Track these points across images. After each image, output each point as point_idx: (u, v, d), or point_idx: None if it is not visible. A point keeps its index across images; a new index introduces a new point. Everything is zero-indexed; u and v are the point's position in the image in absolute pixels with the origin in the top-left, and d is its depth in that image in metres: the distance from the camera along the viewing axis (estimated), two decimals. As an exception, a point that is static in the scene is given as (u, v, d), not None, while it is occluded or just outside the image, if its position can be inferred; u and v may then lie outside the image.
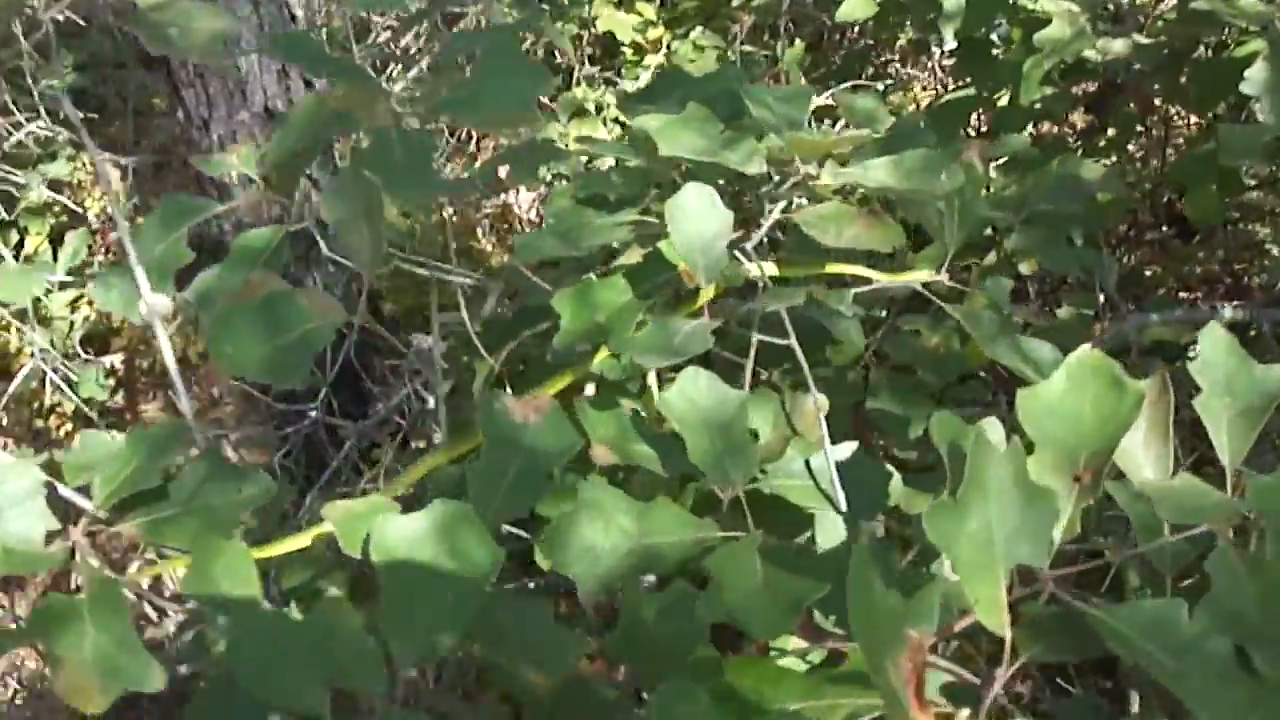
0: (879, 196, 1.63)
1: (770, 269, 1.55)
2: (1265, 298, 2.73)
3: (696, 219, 1.41)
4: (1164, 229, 3.79)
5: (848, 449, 1.40)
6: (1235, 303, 3.10)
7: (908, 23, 3.43)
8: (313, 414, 2.61)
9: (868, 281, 1.65)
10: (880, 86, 4.04)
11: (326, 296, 1.46)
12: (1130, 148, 3.94)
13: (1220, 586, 1.00)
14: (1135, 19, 3.32)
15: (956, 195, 1.60)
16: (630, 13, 3.97)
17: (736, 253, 1.54)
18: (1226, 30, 2.75)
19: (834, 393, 2.05)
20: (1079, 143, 3.36)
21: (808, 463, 1.42)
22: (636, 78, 3.81)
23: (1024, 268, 2.27)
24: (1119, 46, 2.70)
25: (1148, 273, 3.84)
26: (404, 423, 2.65)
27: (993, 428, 1.02)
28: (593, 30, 4.02)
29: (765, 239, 1.59)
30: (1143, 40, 2.70)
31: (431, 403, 2.15)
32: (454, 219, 3.68)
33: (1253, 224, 3.46)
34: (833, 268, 1.65)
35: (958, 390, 2.13)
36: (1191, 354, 1.24)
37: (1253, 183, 3.18)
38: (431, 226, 3.74)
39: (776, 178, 1.56)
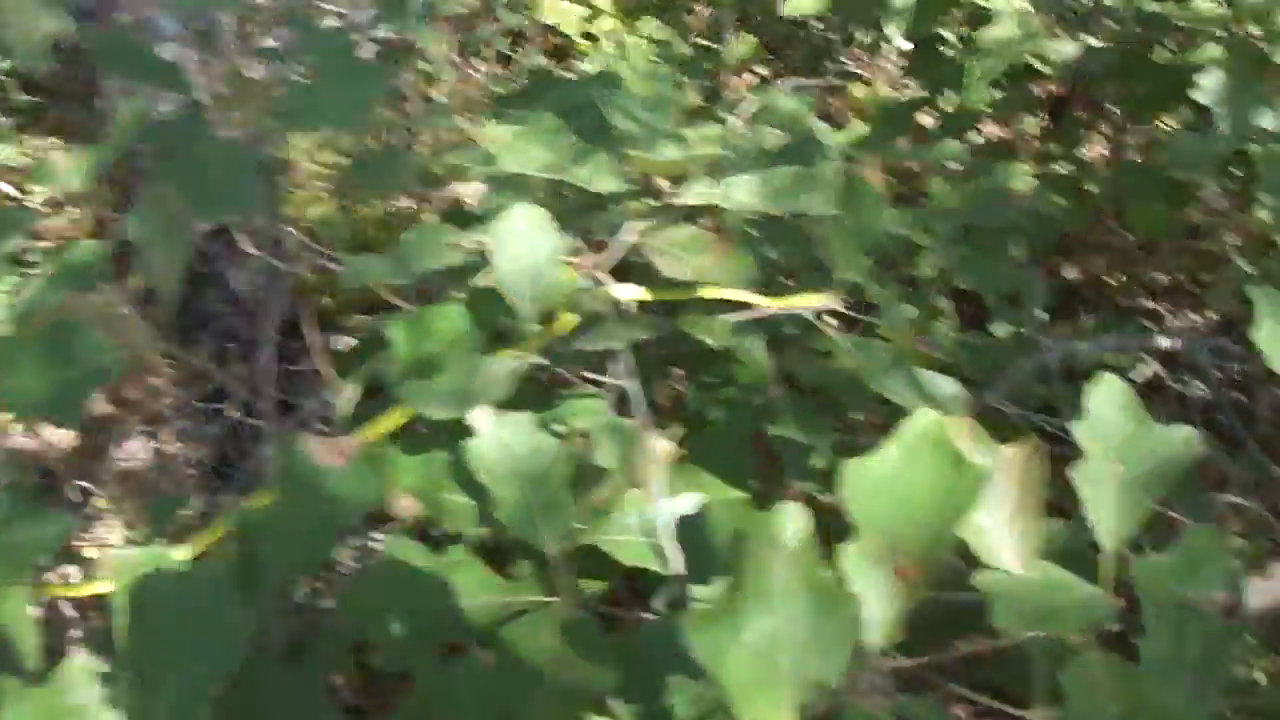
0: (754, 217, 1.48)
1: (634, 293, 1.40)
2: (1207, 324, 2.56)
3: (523, 244, 1.27)
4: (1129, 236, 3.64)
5: (691, 501, 1.25)
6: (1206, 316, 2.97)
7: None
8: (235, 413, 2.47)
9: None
10: (835, 83, 3.88)
11: (134, 320, 1.31)
12: (1093, 154, 3.80)
13: (1075, 706, 0.85)
14: (1101, 20, 3.17)
15: (849, 215, 1.45)
16: (580, 3, 3.81)
17: (598, 276, 1.39)
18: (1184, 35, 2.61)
19: (737, 418, 1.91)
20: (1039, 148, 3.20)
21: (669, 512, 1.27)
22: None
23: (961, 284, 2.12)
24: (1070, 49, 2.54)
25: (1111, 281, 3.69)
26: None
27: (794, 515, 0.86)
28: (536, 21, 3.86)
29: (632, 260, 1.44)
30: (1095, 43, 2.54)
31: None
32: (393, 210, 3.52)
33: (1212, 236, 3.29)
34: (710, 291, 1.50)
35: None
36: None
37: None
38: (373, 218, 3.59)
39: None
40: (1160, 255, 3.59)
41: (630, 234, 1.37)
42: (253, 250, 2.92)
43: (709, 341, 1.40)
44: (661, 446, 1.30)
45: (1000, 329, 2.30)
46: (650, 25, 3.77)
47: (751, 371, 1.99)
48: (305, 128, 1.66)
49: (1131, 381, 2.01)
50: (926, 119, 3.05)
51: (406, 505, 1.26)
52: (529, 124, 1.42)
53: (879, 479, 0.91)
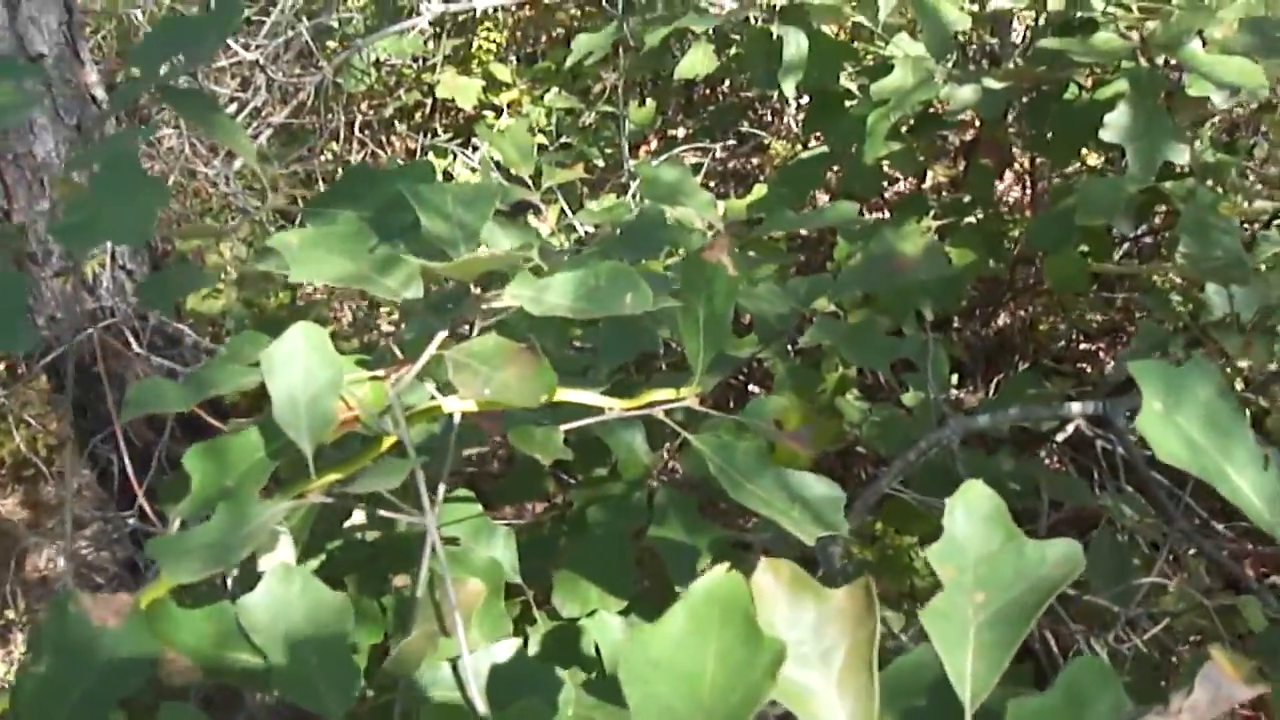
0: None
1: (462, 405, 1.22)
2: (1113, 383, 2.38)
3: (298, 370, 1.08)
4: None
5: (508, 648, 1.07)
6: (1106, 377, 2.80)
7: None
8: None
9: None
10: (737, 145, 3.73)
11: None
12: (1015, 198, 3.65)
13: None
14: (1003, 62, 3.01)
15: (699, 302, 1.28)
16: (479, 77, 3.65)
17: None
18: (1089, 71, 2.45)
19: (618, 518, 1.72)
20: (951, 198, 3.03)
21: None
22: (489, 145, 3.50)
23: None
24: (966, 94, 2.38)
25: (1043, 326, 3.53)
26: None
27: None
28: (436, 98, 3.70)
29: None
30: (994, 85, 2.37)
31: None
32: (302, 299, 3.32)
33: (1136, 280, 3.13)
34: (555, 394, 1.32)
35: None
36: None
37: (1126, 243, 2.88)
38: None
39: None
40: (1090, 298, 3.43)
41: (432, 345, 1.18)
42: (143, 350, 2.77)
43: (541, 457, 1.20)
44: (470, 589, 1.11)
45: (911, 398, 2.12)
46: (553, 95, 3.61)
47: (632, 468, 1.81)
48: (85, 243, 1.47)
49: (1052, 441, 1.80)
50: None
51: (183, 669, 1.07)
52: (326, 227, 1.24)
53: (659, 655, 0.72)
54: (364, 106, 3.91)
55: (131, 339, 2.72)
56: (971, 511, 0.91)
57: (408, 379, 1.19)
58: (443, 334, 1.19)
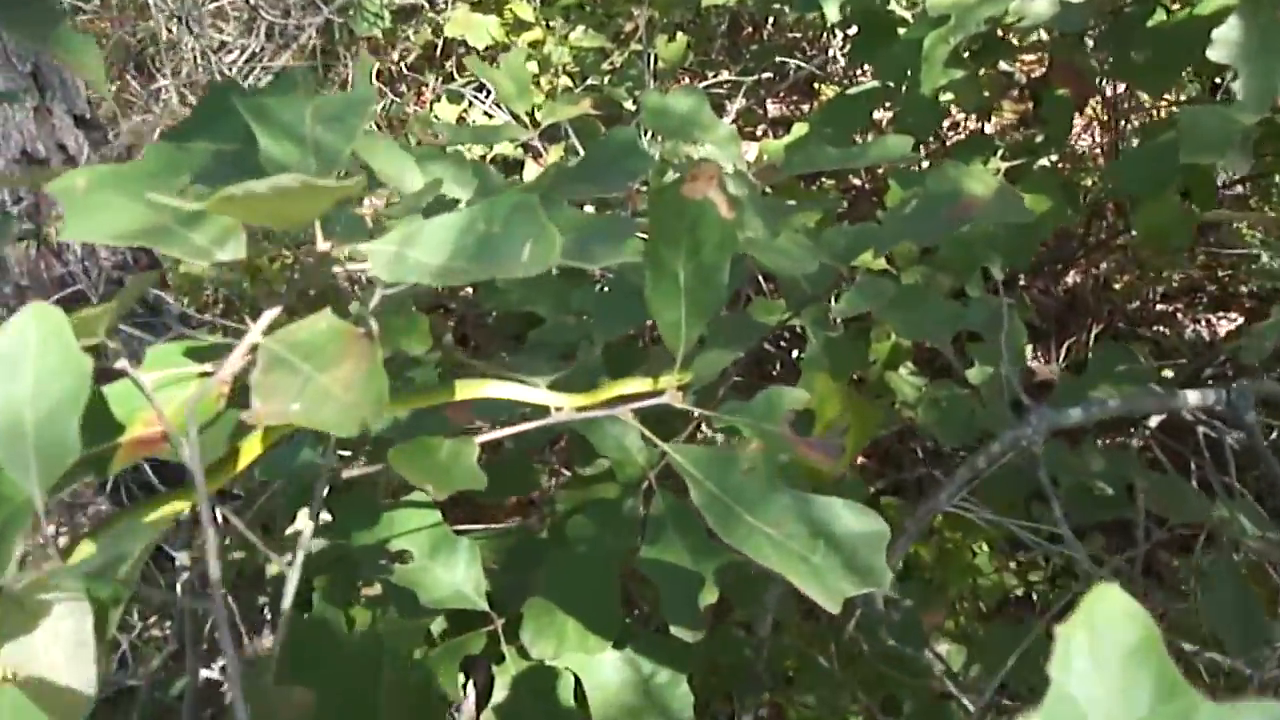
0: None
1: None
2: (1236, 365, 1.89)
3: (26, 378, 0.66)
4: (1132, 233, 2.99)
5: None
6: (1221, 366, 2.31)
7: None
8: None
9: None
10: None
11: None
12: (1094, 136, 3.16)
13: None
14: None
15: (684, 260, 0.85)
16: (496, 13, 3.20)
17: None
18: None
19: (606, 533, 1.29)
20: (1019, 138, 2.54)
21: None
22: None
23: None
24: (1041, 7, 1.90)
25: (1117, 285, 3.05)
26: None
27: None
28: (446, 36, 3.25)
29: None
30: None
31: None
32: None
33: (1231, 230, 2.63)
34: (468, 387, 0.89)
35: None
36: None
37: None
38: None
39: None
40: (1173, 254, 2.94)
41: (255, 329, 0.74)
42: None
43: (428, 492, 0.78)
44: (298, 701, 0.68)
45: (978, 374, 1.66)
46: (579, 33, 3.15)
47: (628, 468, 1.37)
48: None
49: (1143, 427, 1.35)
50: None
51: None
52: (130, 164, 0.81)
53: None
54: (381, 53, 3.48)
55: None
56: (1103, 650, 0.46)
57: (214, 382, 0.75)
58: (272, 313, 0.75)
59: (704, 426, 1.57)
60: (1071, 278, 3.06)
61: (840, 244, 1.32)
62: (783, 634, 1.56)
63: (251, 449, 0.89)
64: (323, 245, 0.76)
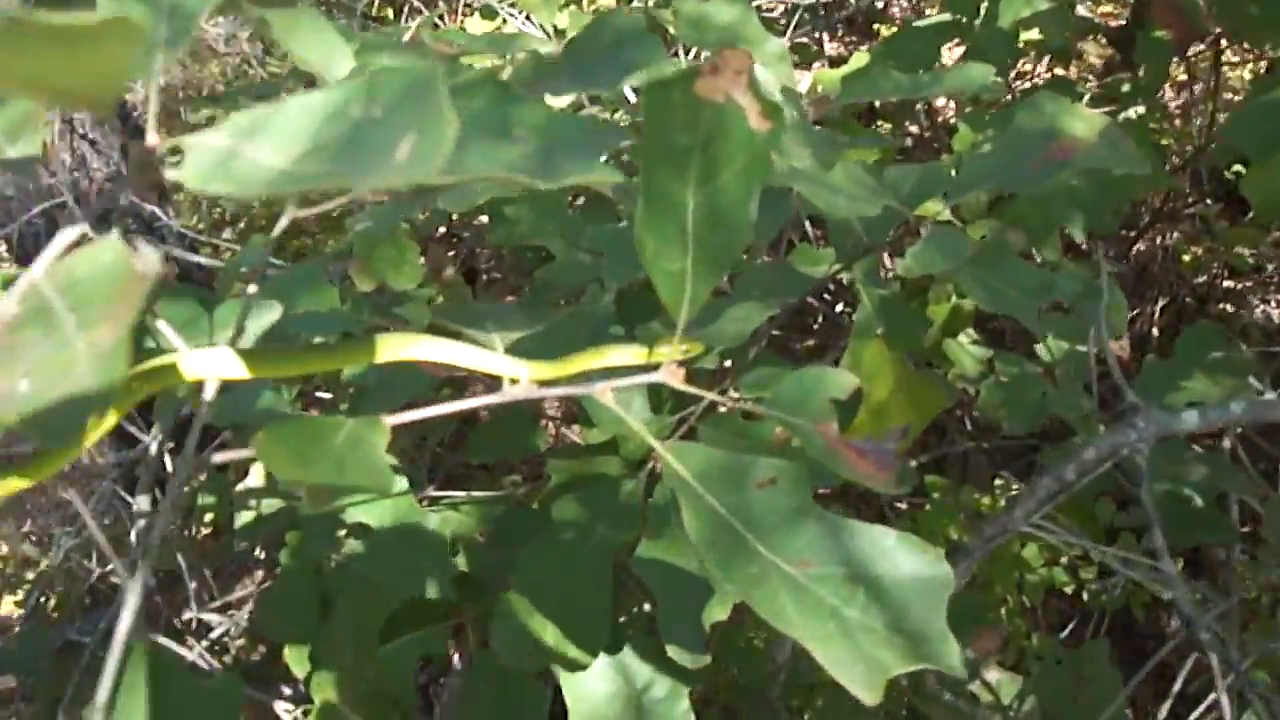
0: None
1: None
2: None
3: None
4: (1207, 202, 2.67)
5: None
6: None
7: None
8: None
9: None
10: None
11: None
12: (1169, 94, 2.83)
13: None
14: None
15: (693, 185, 0.57)
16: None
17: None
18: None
19: (597, 517, 1.01)
20: (1098, 88, 2.23)
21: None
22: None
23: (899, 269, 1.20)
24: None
25: (1186, 258, 2.73)
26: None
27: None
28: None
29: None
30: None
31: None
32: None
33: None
34: (390, 346, 0.61)
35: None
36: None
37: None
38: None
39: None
40: (1246, 226, 2.64)
41: (48, 251, 0.46)
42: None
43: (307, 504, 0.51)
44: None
45: (1053, 349, 1.37)
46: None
47: (631, 446, 1.11)
48: None
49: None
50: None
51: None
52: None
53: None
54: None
55: (87, 222, 2.05)
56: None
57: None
58: (74, 231, 0.47)
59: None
60: (1139, 246, 2.75)
61: (905, 185, 1.04)
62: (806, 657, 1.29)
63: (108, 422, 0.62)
64: (152, 138, 0.49)
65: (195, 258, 2.03)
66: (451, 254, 2.20)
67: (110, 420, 0.62)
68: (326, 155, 0.40)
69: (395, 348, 0.64)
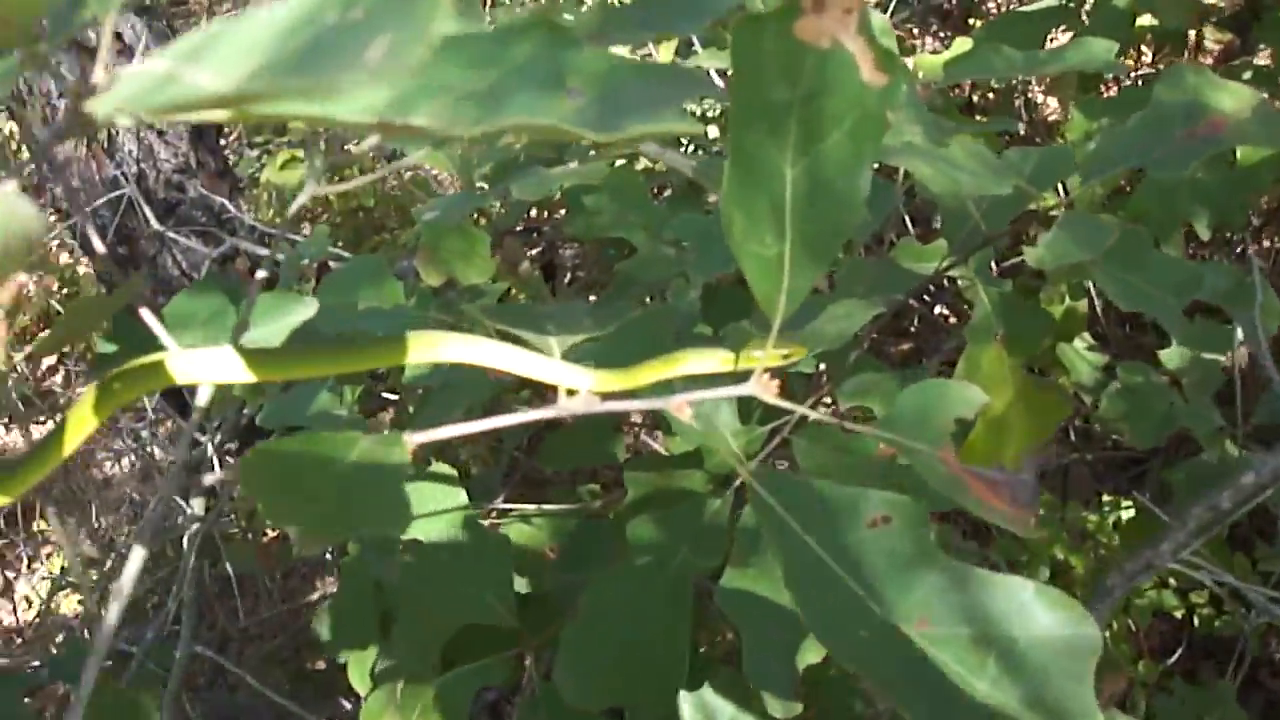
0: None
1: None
2: None
3: None
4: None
5: None
6: None
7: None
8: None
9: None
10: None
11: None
12: None
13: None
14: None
15: (792, 148, 0.43)
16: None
17: None
18: None
19: (676, 540, 0.90)
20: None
21: None
22: None
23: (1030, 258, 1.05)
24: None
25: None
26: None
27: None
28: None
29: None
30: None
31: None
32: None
33: None
34: (421, 345, 0.49)
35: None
36: None
37: None
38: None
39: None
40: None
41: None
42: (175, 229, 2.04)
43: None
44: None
45: (1176, 356, 1.23)
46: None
47: (718, 460, 0.98)
48: None
49: None
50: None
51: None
52: None
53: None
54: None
55: (151, 214, 1.98)
56: None
57: None
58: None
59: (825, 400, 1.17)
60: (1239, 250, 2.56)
61: (1027, 166, 0.90)
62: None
63: (81, 421, 0.52)
64: (99, 74, 0.38)
65: (265, 251, 1.94)
66: (532, 251, 2.08)
67: (90, 424, 0.52)
68: (282, 66, 0.28)
69: (424, 348, 0.52)
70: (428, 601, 1.02)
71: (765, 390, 0.51)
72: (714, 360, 0.55)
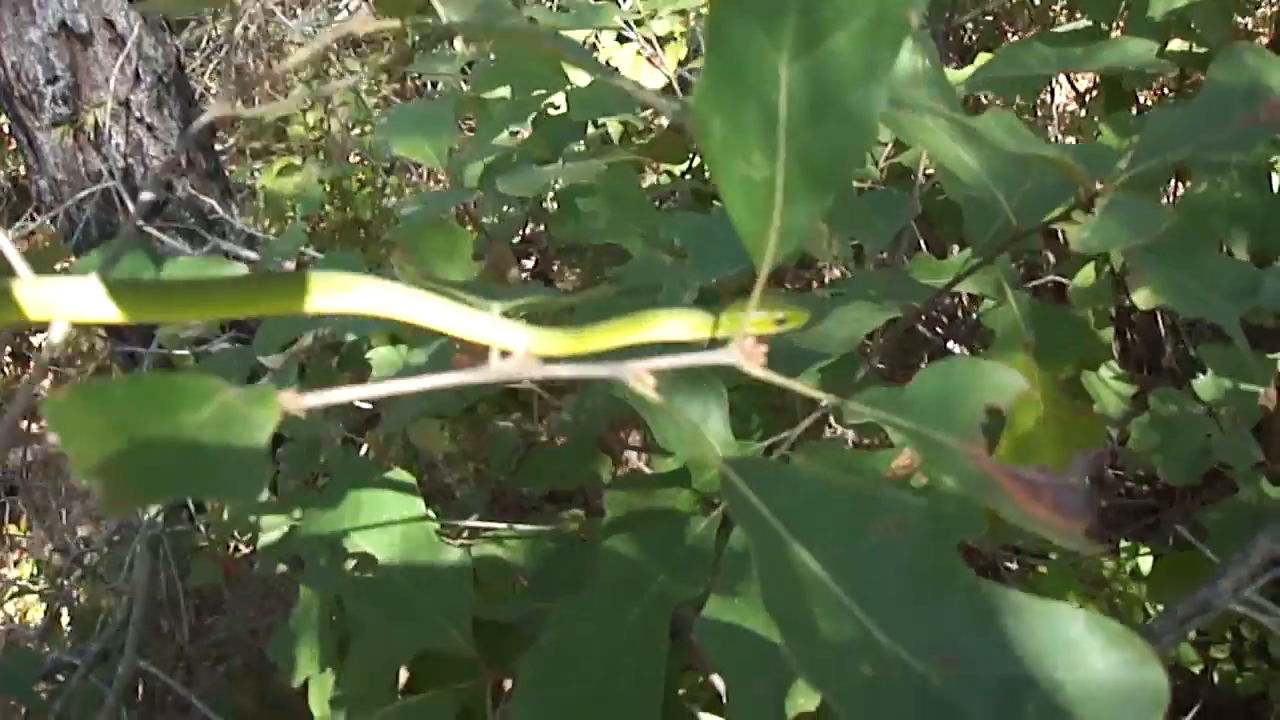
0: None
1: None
2: None
3: None
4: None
5: None
6: None
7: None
8: None
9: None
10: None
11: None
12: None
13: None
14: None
15: (797, 51, 0.31)
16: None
17: None
18: None
19: (654, 564, 0.78)
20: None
21: None
22: None
23: (1139, 299, 0.94)
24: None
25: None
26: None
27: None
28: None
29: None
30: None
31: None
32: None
33: None
34: (321, 288, 0.37)
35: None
36: None
37: None
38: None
39: None
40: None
41: None
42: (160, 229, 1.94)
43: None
44: None
45: (1212, 386, 1.11)
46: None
47: (706, 475, 0.87)
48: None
49: None
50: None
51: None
52: None
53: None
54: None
55: (134, 210, 1.87)
56: None
57: None
58: None
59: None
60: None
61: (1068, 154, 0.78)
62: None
63: None
64: None
65: (252, 255, 1.84)
66: (527, 262, 1.98)
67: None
68: None
69: (331, 291, 0.41)
70: (379, 624, 0.90)
71: (748, 358, 0.40)
72: (689, 324, 0.43)
